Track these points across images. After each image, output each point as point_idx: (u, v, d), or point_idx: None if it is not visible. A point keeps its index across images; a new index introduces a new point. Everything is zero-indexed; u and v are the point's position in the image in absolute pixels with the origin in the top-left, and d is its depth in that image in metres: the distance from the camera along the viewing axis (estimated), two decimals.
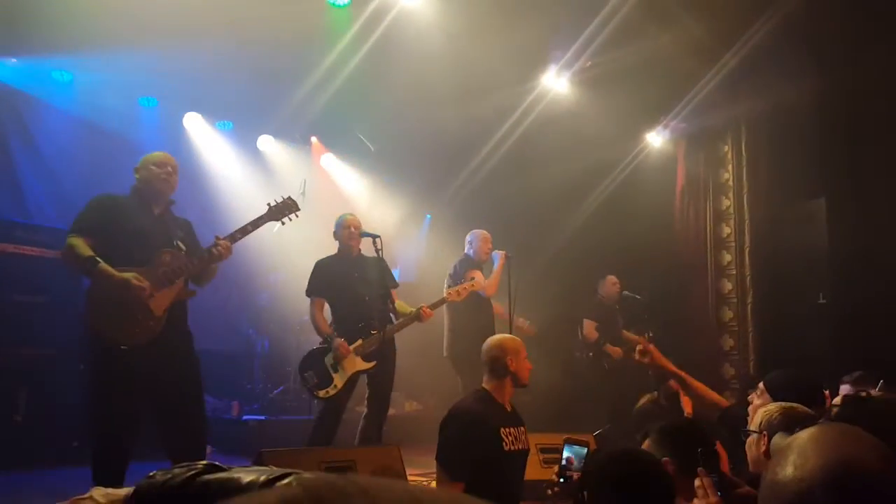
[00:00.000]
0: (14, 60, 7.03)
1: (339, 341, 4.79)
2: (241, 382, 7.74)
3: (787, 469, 1.05)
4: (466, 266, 5.95)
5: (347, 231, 5.04)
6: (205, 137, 8.23)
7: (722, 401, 3.48)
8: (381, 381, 4.97)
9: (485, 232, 6.15)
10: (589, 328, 7.14)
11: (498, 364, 3.50)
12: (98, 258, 3.62)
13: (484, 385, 3.54)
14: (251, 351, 7.89)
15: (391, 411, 5.34)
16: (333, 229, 5.11)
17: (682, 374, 3.47)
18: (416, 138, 8.28)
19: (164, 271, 3.76)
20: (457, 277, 5.86)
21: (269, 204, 4.13)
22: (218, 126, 8.35)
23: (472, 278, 5.57)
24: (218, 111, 8.18)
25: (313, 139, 8.94)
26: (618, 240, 7.85)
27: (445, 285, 5.90)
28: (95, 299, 3.68)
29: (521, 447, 3.50)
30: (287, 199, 4.20)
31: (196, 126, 8.21)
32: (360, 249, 5.09)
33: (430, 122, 7.67)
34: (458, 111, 7.26)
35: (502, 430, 3.42)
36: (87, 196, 3.91)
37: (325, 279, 5.00)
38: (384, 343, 4.83)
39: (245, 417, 7.07)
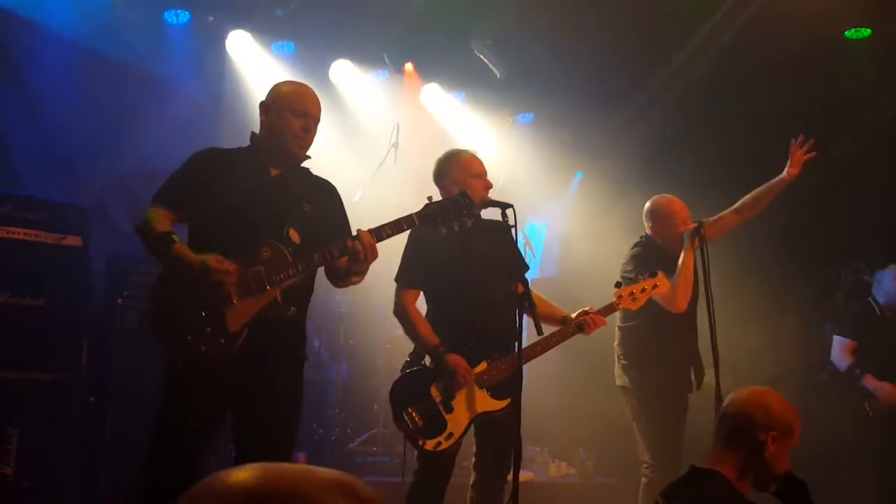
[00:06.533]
0: None
1: (457, 361, 3.77)
2: (307, 424, 6.07)
3: None
4: (647, 258, 4.61)
5: (467, 177, 3.95)
6: (255, 64, 6.83)
7: None
8: (505, 430, 3.79)
9: (672, 199, 4.76)
10: (843, 350, 5.58)
11: (745, 436, 2.61)
12: (175, 236, 3.13)
13: (714, 464, 2.61)
14: (322, 378, 6.31)
15: (527, 475, 4.91)
16: (435, 173, 4.06)
17: None
18: (566, 54, 6.71)
19: (255, 273, 3.10)
20: (629, 275, 4.62)
21: (429, 199, 3.43)
22: (274, 49, 6.96)
23: (654, 273, 4.24)
24: (274, 28, 6.70)
25: (408, 65, 7.51)
26: None
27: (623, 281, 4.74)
28: (161, 293, 3.19)
29: None
30: (460, 196, 3.47)
31: (244, 48, 6.81)
32: (479, 212, 4.07)
33: (589, 27, 6.25)
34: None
35: None
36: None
37: (426, 258, 3.97)
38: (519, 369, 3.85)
39: None
